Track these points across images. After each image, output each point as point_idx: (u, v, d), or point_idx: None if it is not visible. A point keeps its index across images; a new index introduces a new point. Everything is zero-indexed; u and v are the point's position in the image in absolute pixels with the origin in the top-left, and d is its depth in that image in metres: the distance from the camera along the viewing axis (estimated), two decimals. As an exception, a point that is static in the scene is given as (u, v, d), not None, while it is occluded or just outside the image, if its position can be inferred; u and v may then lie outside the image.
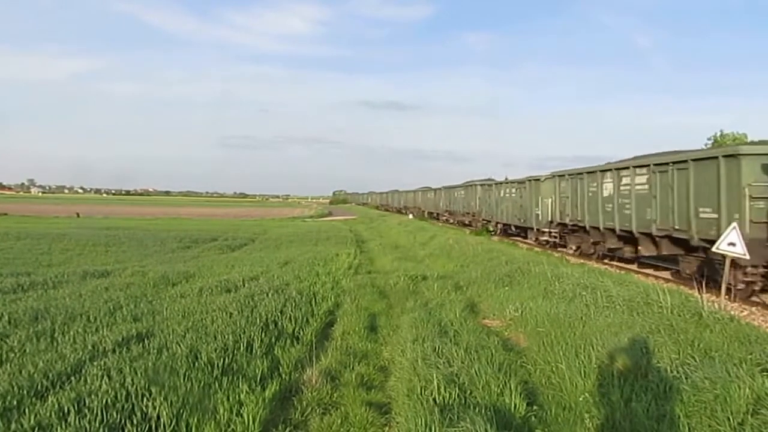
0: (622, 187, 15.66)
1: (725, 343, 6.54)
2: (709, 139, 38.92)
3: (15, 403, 4.86)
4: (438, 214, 46.60)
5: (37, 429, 4.40)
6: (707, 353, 6.15)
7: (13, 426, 4.42)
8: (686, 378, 5.37)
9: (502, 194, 28.39)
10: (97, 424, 4.45)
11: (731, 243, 9.06)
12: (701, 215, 11.99)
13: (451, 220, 40.78)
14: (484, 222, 31.54)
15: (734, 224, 9.49)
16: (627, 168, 15.41)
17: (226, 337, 7.02)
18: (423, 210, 52.95)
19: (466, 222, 35.69)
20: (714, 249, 9.59)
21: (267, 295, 10.04)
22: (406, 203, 62.98)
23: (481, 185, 32.78)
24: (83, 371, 5.70)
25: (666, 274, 14.66)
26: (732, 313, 8.56)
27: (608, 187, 16.39)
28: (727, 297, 9.85)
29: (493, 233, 29.44)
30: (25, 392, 5.09)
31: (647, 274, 14.78)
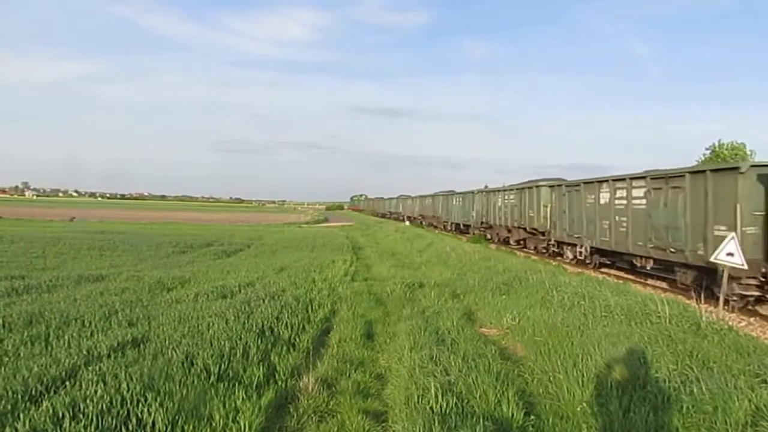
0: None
1: (724, 354, 6.55)
2: (707, 148, 39.12)
3: (9, 407, 4.80)
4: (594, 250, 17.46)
5: (31, 434, 4.34)
6: (706, 364, 6.15)
7: (7, 430, 4.37)
8: (685, 389, 5.36)
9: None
10: (93, 430, 4.42)
11: (729, 253, 9.07)
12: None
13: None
14: None
15: (732, 234, 9.49)
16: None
17: (222, 343, 6.96)
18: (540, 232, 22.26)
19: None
20: (712, 259, 9.59)
21: (263, 301, 9.97)
22: (486, 217, 30.05)
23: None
24: (78, 376, 5.65)
25: (663, 284, 14.68)
26: (730, 323, 8.57)
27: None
28: (725, 307, 9.85)
29: None
30: (19, 397, 5.03)
31: (645, 284, 14.79)
